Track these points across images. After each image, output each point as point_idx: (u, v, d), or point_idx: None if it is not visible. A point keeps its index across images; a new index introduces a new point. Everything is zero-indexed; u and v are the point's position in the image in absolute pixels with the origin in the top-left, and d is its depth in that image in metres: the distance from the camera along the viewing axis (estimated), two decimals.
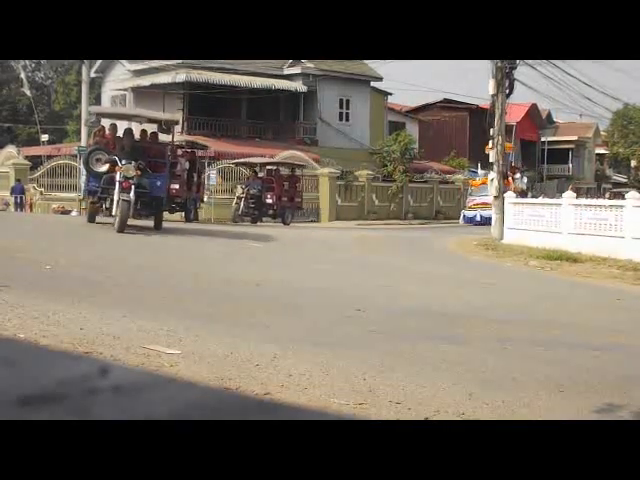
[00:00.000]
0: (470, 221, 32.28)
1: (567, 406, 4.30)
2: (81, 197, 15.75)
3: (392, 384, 4.35)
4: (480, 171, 34.05)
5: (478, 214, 31.81)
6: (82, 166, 14.95)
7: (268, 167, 27.15)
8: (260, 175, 26.40)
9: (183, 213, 21.23)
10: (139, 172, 13.78)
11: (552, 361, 5.67)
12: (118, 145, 14.83)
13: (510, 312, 7.92)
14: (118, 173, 13.53)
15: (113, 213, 13.62)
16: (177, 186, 18.17)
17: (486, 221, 31.19)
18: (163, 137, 16.29)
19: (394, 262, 13.24)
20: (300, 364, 4.54)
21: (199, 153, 23.21)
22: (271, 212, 25.65)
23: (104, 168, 14.08)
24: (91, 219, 15.17)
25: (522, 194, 32.41)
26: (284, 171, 27.25)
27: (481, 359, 5.57)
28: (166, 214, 21.15)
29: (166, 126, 15.90)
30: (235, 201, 25.19)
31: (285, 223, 25.44)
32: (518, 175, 33.51)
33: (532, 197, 28.00)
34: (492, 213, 30.44)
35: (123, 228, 13.27)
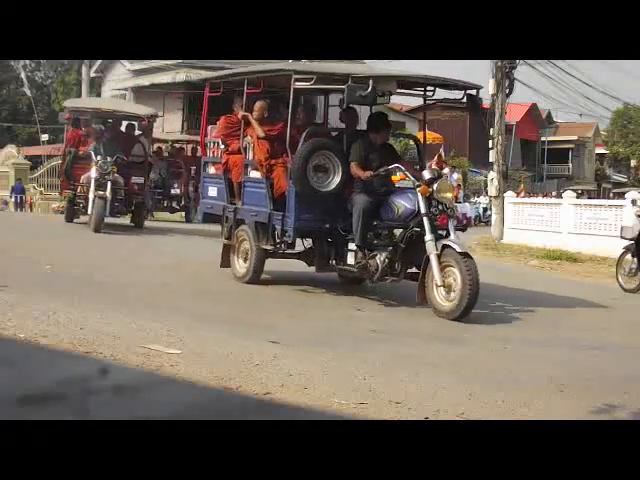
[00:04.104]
0: None
1: (567, 406, 4.29)
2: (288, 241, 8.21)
3: (392, 384, 4.35)
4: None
5: None
6: (293, 184, 7.57)
7: (175, 145, 22.86)
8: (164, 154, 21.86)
9: (184, 213, 20.97)
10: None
11: (552, 361, 5.67)
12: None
13: (510, 312, 7.90)
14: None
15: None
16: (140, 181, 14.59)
17: None
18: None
19: None
20: (300, 364, 4.54)
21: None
22: (176, 206, 20.99)
23: (334, 185, 7.56)
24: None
25: None
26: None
27: (481, 359, 5.57)
28: (167, 214, 21.17)
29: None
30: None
31: (189, 221, 19.73)
32: (447, 170, 30.07)
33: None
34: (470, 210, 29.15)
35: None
